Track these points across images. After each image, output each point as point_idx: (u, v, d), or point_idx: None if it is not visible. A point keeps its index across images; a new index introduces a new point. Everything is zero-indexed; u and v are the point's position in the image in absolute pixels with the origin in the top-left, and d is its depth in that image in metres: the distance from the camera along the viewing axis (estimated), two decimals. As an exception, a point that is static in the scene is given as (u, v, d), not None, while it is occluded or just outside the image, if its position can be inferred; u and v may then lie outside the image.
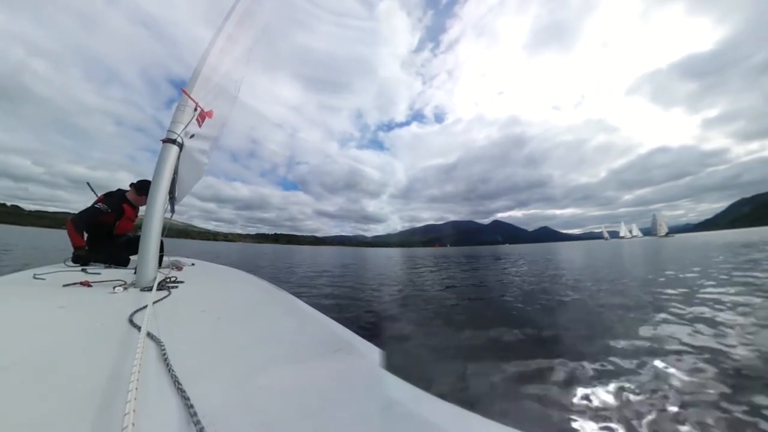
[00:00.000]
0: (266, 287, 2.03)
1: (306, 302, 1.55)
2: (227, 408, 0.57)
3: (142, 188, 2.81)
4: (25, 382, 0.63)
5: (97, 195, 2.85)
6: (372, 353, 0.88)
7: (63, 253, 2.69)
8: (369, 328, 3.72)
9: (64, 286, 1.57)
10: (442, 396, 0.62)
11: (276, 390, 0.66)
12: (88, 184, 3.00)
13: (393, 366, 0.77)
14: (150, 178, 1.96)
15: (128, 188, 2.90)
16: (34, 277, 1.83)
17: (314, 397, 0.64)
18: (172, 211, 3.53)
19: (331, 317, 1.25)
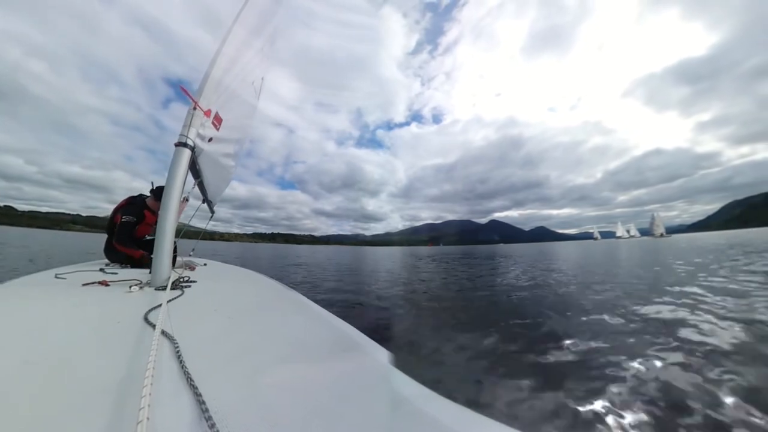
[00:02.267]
0: (276, 287, 2.06)
1: (315, 302, 1.57)
2: (238, 405, 0.59)
3: (159, 194, 2.87)
4: (45, 376, 0.66)
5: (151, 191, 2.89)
6: (380, 353, 0.89)
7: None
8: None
9: (83, 285, 1.61)
10: (452, 396, 0.64)
11: (286, 388, 0.68)
12: (152, 183, 3.04)
13: (400, 364, 0.79)
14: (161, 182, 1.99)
15: (149, 194, 2.94)
16: (56, 277, 1.88)
17: (323, 395, 0.65)
18: (212, 212, 3.58)
19: (340, 317, 1.27)
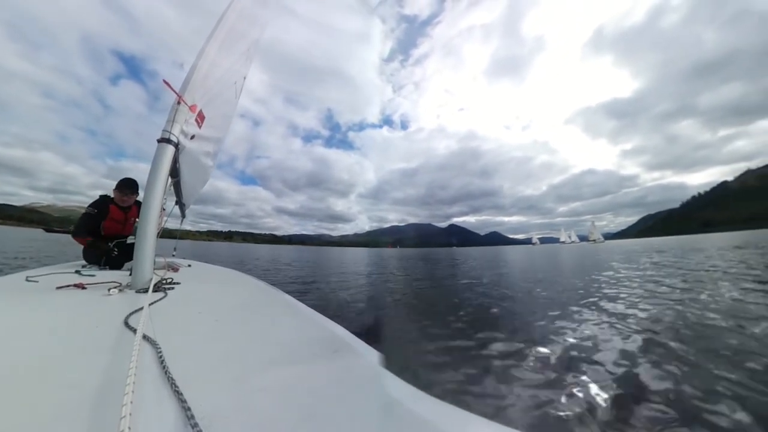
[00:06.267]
0: (264, 288, 2.02)
1: (304, 303, 1.54)
2: (225, 410, 0.56)
3: (121, 185, 2.78)
4: (19, 387, 0.61)
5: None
6: (370, 354, 0.87)
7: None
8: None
9: (57, 288, 1.51)
10: (441, 396, 0.63)
11: (274, 392, 0.65)
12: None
13: (391, 366, 0.78)
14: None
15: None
16: (27, 280, 1.74)
17: (313, 398, 0.63)
18: (183, 216, 3.35)
19: (329, 318, 1.24)
